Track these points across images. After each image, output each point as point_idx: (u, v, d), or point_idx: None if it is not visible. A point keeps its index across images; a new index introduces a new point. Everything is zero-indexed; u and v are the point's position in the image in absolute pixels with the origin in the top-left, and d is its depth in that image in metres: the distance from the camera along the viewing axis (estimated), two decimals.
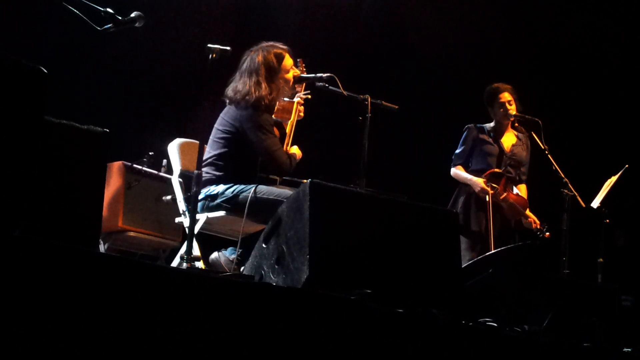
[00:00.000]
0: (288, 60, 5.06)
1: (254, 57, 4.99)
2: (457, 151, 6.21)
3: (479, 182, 5.96)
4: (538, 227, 6.01)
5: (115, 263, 2.51)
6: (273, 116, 5.04)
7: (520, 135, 6.22)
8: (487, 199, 5.90)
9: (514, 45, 8.06)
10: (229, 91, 4.94)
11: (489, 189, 5.90)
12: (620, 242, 6.41)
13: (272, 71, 4.96)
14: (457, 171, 6.15)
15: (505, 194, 5.98)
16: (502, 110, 6.11)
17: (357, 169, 5.03)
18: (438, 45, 8.02)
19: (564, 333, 4.07)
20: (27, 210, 2.59)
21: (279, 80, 4.99)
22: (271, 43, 5.08)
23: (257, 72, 4.93)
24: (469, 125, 6.24)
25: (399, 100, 5.19)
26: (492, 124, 6.23)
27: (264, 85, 4.90)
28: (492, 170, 6.05)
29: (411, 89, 7.81)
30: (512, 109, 6.10)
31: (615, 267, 6.20)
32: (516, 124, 6.21)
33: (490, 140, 6.15)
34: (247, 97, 4.85)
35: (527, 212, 6.06)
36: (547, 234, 6.00)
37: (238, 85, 4.93)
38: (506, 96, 6.10)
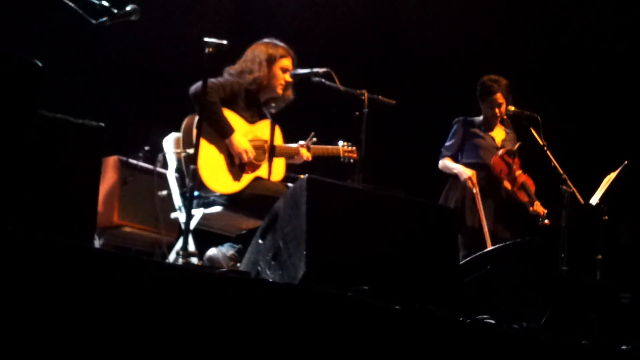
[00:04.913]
0: (284, 61, 5.16)
1: (254, 47, 5.16)
2: (447, 144, 6.19)
3: (467, 172, 5.93)
4: (542, 215, 5.99)
5: (110, 258, 2.49)
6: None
7: (508, 130, 6.21)
8: (475, 191, 5.88)
9: (513, 40, 8.05)
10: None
11: (473, 186, 5.88)
12: (624, 238, 6.40)
13: (263, 62, 5.08)
14: (446, 162, 6.12)
15: (520, 172, 5.99)
16: (491, 110, 6.10)
17: (354, 164, 5.01)
18: (435, 40, 8.00)
19: (562, 330, 4.06)
20: (21, 204, 2.56)
21: (267, 72, 5.09)
22: (276, 41, 5.23)
23: (253, 60, 5.10)
24: (459, 118, 6.23)
25: (396, 95, 5.17)
26: (481, 118, 6.21)
27: (254, 67, 5.06)
28: (507, 149, 6.03)
29: (408, 84, 7.79)
30: (503, 109, 6.08)
31: (614, 264, 6.20)
32: (504, 117, 6.20)
33: (481, 134, 6.14)
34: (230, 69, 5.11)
35: (535, 198, 6.05)
36: (547, 221, 5.99)
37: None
38: (499, 98, 6.07)
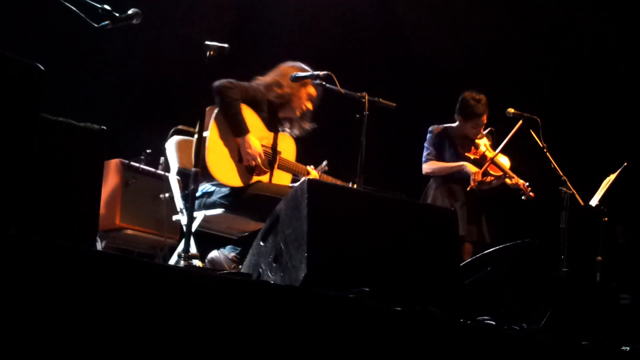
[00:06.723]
0: (311, 89, 5.23)
1: (287, 67, 5.21)
2: (432, 152, 6.22)
3: (464, 163, 6.01)
4: (522, 187, 6.05)
5: (112, 261, 2.50)
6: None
7: (479, 142, 6.26)
8: (471, 184, 5.95)
9: (513, 43, 8.06)
10: None
11: (475, 171, 5.96)
12: (623, 240, 6.41)
13: (290, 82, 5.14)
14: (433, 165, 6.16)
15: (497, 153, 6.07)
16: (475, 130, 6.16)
17: (355, 166, 5.02)
18: (436, 43, 8.01)
19: (562, 331, 4.06)
20: (23, 208, 2.57)
21: (294, 91, 5.15)
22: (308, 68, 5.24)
23: (284, 76, 5.16)
24: (436, 128, 6.26)
25: (397, 98, 5.18)
26: (455, 129, 6.24)
27: (284, 82, 5.11)
28: (490, 129, 6.18)
29: (409, 87, 7.80)
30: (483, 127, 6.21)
31: (614, 265, 6.21)
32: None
33: (458, 147, 6.20)
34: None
35: (511, 172, 6.12)
36: (532, 193, 6.04)
37: None
38: (485, 118, 6.14)
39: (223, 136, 4.82)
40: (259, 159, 4.86)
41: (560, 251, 5.79)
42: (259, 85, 5.12)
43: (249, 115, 4.93)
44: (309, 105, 5.22)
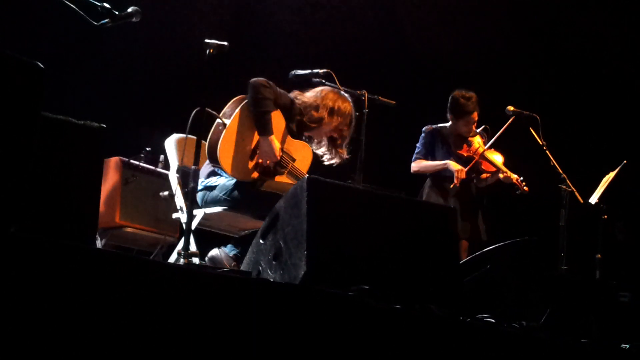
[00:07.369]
0: (346, 118, 5.12)
1: (328, 91, 5.08)
2: (422, 150, 6.25)
3: (449, 162, 6.03)
4: (515, 182, 6.06)
5: (112, 259, 2.51)
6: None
7: (472, 140, 6.27)
8: (454, 182, 5.96)
9: (512, 40, 8.06)
10: None
11: (457, 180, 5.96)
12: (622, 237, 6.43)
13: (328, 108, 5.06)
14: (420, 163, 6.20)
15: (486, 149, 6.08)
16: (467, 127, 6.18)
17: (355, 164, 5.03)
18: (435, 41, 8.02)
19: (561, 329, 4.07)
20: (23, 206, 2.58)
21: (327, 118, 5.06)
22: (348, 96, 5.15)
23: (324, 98, 5.05)
24: (428, 127, 6.28)
25: (396, 96, 5.19)
26: (449, 128, 6.26)
27: (320, 106, 5.02)
28: (484, 126, 6.23)
29: (408, 85, 7.81)
30: (475, 125, 6.22)
31: (613, 263, 6.22)
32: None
33: (451, 146, 6.21)
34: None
35: (504, 167, 6.13)
36: (526, 188, 6.05)
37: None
38: (475, 116, 6.16)
39: (241, 129, 4.79)
40: (270, 163, 4.85)
41: (559, 249, 5.81)
42: (296, 98, 5.06)
43: (277, 118, 4.91)
44: (335, 135, 5.18)
